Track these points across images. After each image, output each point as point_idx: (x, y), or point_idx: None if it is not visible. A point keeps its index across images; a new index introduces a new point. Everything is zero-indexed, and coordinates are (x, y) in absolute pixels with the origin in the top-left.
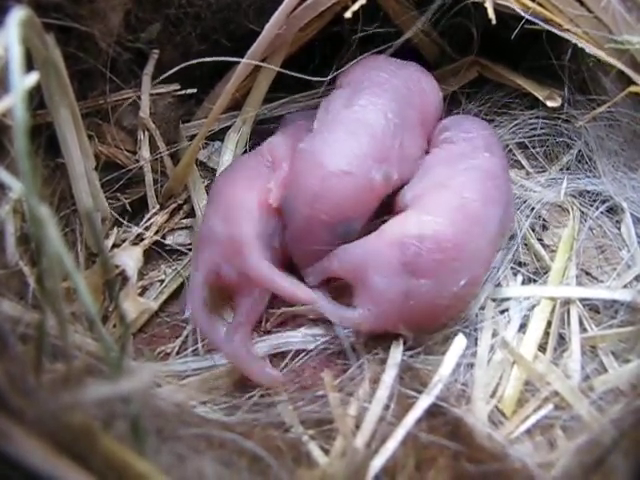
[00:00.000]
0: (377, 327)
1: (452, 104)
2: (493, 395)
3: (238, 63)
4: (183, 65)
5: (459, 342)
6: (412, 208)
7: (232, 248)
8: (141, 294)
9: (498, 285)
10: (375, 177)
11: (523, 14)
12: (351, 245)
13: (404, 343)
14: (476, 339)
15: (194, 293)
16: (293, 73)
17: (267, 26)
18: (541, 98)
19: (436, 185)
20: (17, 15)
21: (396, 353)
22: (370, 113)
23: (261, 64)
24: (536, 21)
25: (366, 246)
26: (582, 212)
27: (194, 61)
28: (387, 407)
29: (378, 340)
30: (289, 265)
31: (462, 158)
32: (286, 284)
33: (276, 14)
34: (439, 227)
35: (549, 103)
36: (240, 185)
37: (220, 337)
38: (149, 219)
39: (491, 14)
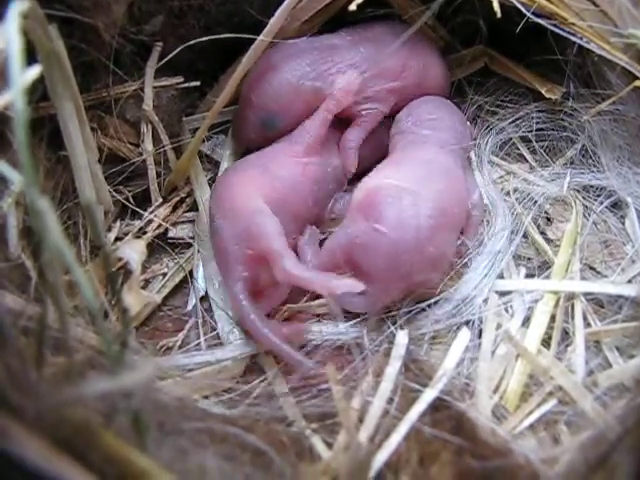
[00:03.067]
0: (385, 301)
1: (458, 95)
2: (497, 389)
3: (242, 56)
4: (183, 46)
5: (463, 335)
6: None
7: (266, 260)
8: (144, 287)
9: (502, 278)
10: (305, 83)
11: (524, 10)
12: (329, 238)
13: (410, 337)
14: (479, 332)
15: (240, 304)
16: None
17: (272, 19)
18: (542, 91)
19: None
20: (18, 7)
21: (400, 346)
22: (335, 36)
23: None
24: (539, 20)
25: (340, 233)
26: (586, 207)
27: (196, 40)
28: (391, 400)
29: (382, 333)
30: None
31: (403, 140)
32: (326, 281)
33: (282, 6)
34: (391, 177)
35: (548, 95)
36: (246, 188)
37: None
38: (152, 212)
39: (496, 7)
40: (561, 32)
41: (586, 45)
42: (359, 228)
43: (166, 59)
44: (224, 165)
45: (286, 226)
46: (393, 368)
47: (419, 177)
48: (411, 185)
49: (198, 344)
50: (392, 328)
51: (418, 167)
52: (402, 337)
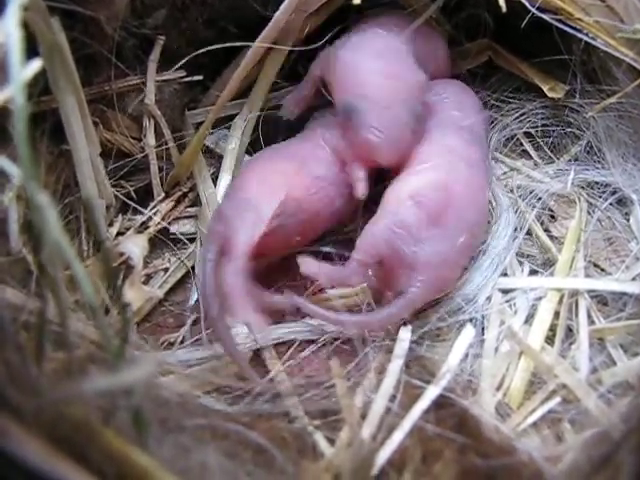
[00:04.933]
0: (430, 297)
1: None
2: (500, 387)
3: (244, 50)
4: (193, 55)
5: (467, 332)
6: (402, 172)
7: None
8: (145, 283)
9: (505, 276)
10: (421, 74)
11: (529, 6)
12: (365, 231)
13: (412, 334)
14: (482, 329)
15: (207, 266)
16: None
17: (277, 14)
18: (544, 89)
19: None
20: (18, 1)
21: (403, 342)
22: (391, 38)
23: (279, 47)
24: (543, 16)
25: (380, 225)
26: (590, 203)
27: (204, 49)
28: (393, 398)
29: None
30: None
31: (432, 117)
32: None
33: (287, 1)
34: (439, 171)
35: (550, 94)
36: (272, 180)
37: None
38: (154, 207)
39: (501, 2)
40: (566, 28)
41: (592, 41)
42: (416, 219)
43: (177, 65)
44: (227, 160)
45: (301, 229)
46: (396, 365)
47: (463, 171)
48: (461, 177)
49: (200, 339)
50: (395, 324)
51: (459, 160)
52: (405, 334)
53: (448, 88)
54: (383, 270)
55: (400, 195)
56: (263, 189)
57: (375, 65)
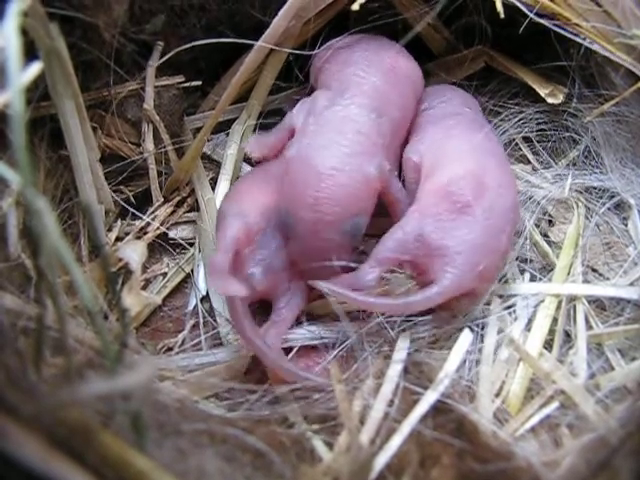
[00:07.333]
0: (463, 285)
1: None
2: (499, 393)
3: (243, 56)
4: (183, 48)
5: (465, 337)
6: (432, 170)
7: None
8: (144, 287)
9: (504, 282)
10: (369, 170)
11: (528, 11)
12: (398, 225)
13: (411, 339)
14: (482, 336)
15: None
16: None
17: (276, 19)
18: (542, 94)
19: (438, 141)
20: (17, 5)
21: (401, 348)
22: (353, 110)
23: (276, 48)
24: (542, 20)
25: (413, 220)
26: (588, 208)
27: (194, 43)
28: (392, 403)
29: (384, 335)
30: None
31: (447, 116)
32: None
33: (285, 7)
34: (467, 163)
35: (550, 100)
36: (253, 195)
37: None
38: (153, 212)
39: (499, 7)
40: (564, 32)
41: (590, 46)
42: (443, 209)
43: (167, 56)
44: (226, 165)
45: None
46: (394, 370)
47: (490, 162)
48: (489, 168)
49: (199, 344)
50: (393, 330)
51: (484, 152)
52: (404, 340)
53: (443, 92)
54: (412, 266)
55: (429, 190)
56: (248, 198)
57: (316, 184)
